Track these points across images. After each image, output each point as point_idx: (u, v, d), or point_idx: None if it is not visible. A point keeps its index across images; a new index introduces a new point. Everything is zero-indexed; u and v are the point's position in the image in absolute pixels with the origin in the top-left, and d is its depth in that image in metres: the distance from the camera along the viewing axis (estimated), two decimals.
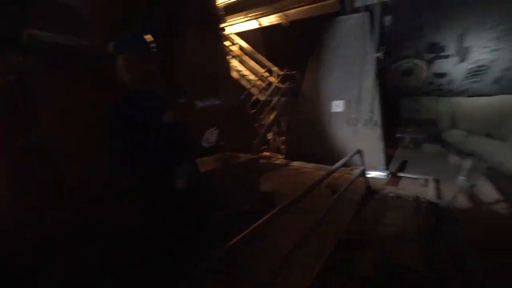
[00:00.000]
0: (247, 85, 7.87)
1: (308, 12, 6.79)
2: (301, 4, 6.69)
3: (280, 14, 7.23)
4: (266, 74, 7.72)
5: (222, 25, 7.94)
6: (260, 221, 1.83)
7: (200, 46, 4.97)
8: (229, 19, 8.02)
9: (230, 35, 8.45)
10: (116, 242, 2.24)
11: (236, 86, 7.83)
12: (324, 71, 6.23)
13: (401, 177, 4.95)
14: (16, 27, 2.13)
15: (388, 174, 5.03)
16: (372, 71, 5.62)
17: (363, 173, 3.99)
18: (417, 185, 4.49)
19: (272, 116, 6.85)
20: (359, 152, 3.65)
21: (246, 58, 8.33)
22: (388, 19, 6.38)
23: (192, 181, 1.65)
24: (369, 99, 5.55)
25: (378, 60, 5.68)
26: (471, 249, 2.28)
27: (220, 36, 6.85)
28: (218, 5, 7.92)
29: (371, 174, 4.90)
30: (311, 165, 5.75)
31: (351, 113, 5.70)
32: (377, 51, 5.61)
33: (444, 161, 5.85)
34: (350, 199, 3.70)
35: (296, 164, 5.99)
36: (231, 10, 7.85)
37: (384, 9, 5.91)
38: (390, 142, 6.51)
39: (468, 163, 4.39)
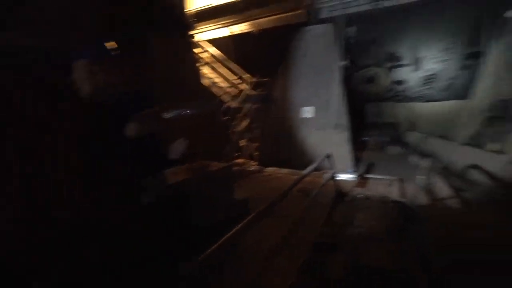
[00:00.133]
0: (219, 92, 7.82)
1: (277, 21, 6.98)
2: (271, 14, 6.87)
3: (251, 22, 7.34)
4: (238, 81, 7.74)
5: (191, 32, 7.86)
6: (233, 230, 1.80)
7: (169, 53, 4.84)
8: (200, 26, 7.97)
9: (201, 42, 8.38)
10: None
11: (207, 93, 7.75)
12: (293, 78, 6.42)
13: (368, 178, 5.21)
14: None
15: (357, 176, 5.27)
16: (338, 78, 5.91)
17: (333, 177, 4.14)
18: (383, 185, 4.75)
19: (244, 123, 6.86)
20: (328, 156, 3.78)
21: (217, 65, 8.29)
22: (351, 30, 6.80)
23: (160, 194, 1.57)
24: (337, 105, 5.81)
25: (344, 68, 6.00)
26: (434, 245, 2.44)
27: (190, 43, 6.76)
28: (188, 12, 7.84)
29: (341, 177, 5.09)
30: (284, 170, 5.83)
31: (320, 119, 5.92)
32: (342, 60, 5.92)
33: (405, 162, 6.29)
34: (322, 202, 3.80)
35: (269, 170, 6.03)
36: (202, 17, 7.81)
37: (348, 21, 6.28)
38: (358, 145, 6.86)
39: (425, 163, 4.77)
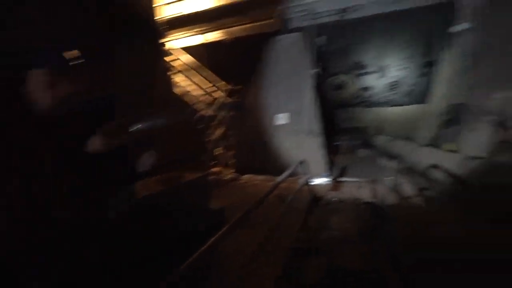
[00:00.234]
0: (192, 101, 7.71)
1: (250, 30, 7.09)
2: (243, 23, 6.97)
3: (224, 30, 7.38)
4: (212, 89, 7.70)
5: (163, 40, 7.71)
6: (210, 240, 1.77)
7: (138, 61, 4.70)
8: (172, 33, 7.84)
9: (173, 50, 8.25)
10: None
11: (180, 102, 7.60)
12: (267, 86, 6.53)
13: (342, 181, 5.39)
14: None
15: (331, 179, 5.43)
16: (310, 85, 6.11)
17: (308, 182, 4.23)
18: (355, 187, 4.94)
19: (219, 131, 6.81)
20: (302, 162, 3.86)
21: (190, 73, 8.20)
22: (321, 40, 7.11)
23: (129, 209, 1.49)
24: (309, 112, 6.00)
25: (315, 76, 6.23)
26: (402, 245, 2.57)
27: (161, 51, 6.62)
28: (160, 19, 7.71)
29: (316, 181, 5.22)
30: (260, 177, 5.85)
31: (294, 125, 6.05)
32: (314, 67, 6.15)
33: (374, 164, 6.61)
34: (298, 207, 3.85)
35: (245, 177, 6.02)
36: (174, 24, 7.71)
37: (318, 31, 6.57)
38: (330, 149, 7.09)
39: (392, 164, 5.06)
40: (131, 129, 1.49)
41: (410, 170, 4.79)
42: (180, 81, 8.14)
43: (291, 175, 3.72)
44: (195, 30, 7.63)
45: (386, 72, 7.92)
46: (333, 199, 4.21)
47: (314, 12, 6.10)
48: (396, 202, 3.84)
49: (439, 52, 5.75)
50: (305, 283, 2.09)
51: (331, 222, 3.34)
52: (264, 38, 6.73)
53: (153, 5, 6.07)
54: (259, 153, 6.34)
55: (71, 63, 1.40)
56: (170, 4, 8.43)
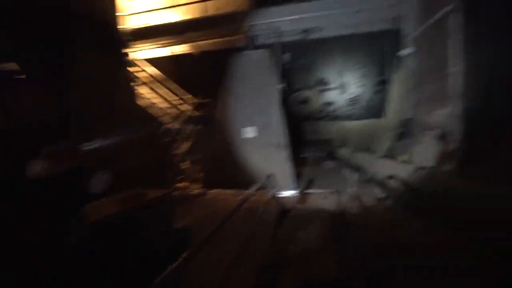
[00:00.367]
0: (158, 113, 7.46)
1: (217, 45, 7.18)
2: (211, 37, 7.05)
3: (191, 44, 7.37)
4: (178, 102, 7.54)
5: (126, 50, 7.44)
6: (176, 263, 1.67)
7: (98, 72, 4.45)
8: (137, 44, 7.60)
9: (138, 61, 7.98)
10: None
11: (145, 114, 7.31)
12: (235, 100, 6.59)
13: (309, 193, 5.53)
14: None
15: (298, 191, 5.55)
16: (276, 100, 6.30)
17: (276, 194, 4.27)
18: (322, 198, 5.10)
19: (186, 145, 6.63)
20: (270, 176, 3.90)
21: (156, 85, 7.97)
22: (286, 57, 7.44)
23: (80, 236, 1.35)
24: (276, 125, 6.15)
25: (281, 91, 6.45)
26: (371, 252, 2.69)
27: (124, 61, 6.36)
28: (125, 29, 7.45)
29: (284, 193, 5.29)
30: (228, 191, 5.76)
31: (261, 139, 6.14)
32: (279, 83, 6.38)
33: (339, 175, 6.93)
34: (267, 220, 3.84)
35: (214, 192, 5.87)
36: (139, 35, 7.49)
37: (282, 48, 6.88)
38: (297, 162, 7.29)
39: (354, 175, 5.35)
40: (86, 148, 1.36)
41: (370, 181, 5.10)
42: (146, 93, 7.86)
43: (260, 188, 3.74)
44: (162, 42, 7.51)
45: (346, 89, 8.51)
46: (301, 212, 4.28)
47: (279, 31, 6.41)
48: (359, 211, 4.04)
49: (391, 72, 6.38)
50: None
51: (300, 234, 3.38)
52: (232, 53, 6.86)
53: (116, 15, 5.89)
54: (227, 167, 6.28)
55: (13, 77, 1.26)
56: (135, 15, 8.24)
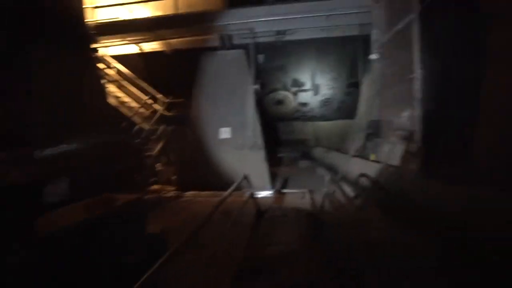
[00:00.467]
0: (128, 113, 7.10)
1: (189, 44, 7.00)
2: (183, 35, 6.85)
3: (162, 42, 7.10)
4: (150, 101, 7.24)
5: (94, 46, 6.97)
6: (148, 272, 1.59)
7: (62, 70, 4.12)
8: (105, 40, 7.16)
9: (108, 58, 7.52)
10: None
11: (115, 114, 6.92)
12: (210, 100, 6.48)
13: (284, 193, 5.62)
14: None
15: (274, 192, 5.61)
16: (252, 100, 6.31)
17: (252, 195, 4.27)
18: (297, 198, 5.21)
19: (159, 146, 6.39)
20: (246, 177, 3.89)
21: (126, 83, 7.57)
22: (261, 57, 7.47)
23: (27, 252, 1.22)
24: (252, 125, 6.16)
25: (256, 91, 6.47)
26: (342, 251, 2.78)
27: (92, 58, 5.96)
28: (91, 22, 6.97)
29: (260, 194, 5.31)
30: (204, 193, 5.66)
31: (237, 139, 6.11)
32: (254, 83, 6.39)
33: (314, 174, 7.13)
34: (244, 222, 3.83)
35: (189, 194, 5.73)
36: (107, 30, 7.07)
37: (257, 49, 6.90)
38: (273, 162, 7.38)
39: (328, 174, 5.52)
40: (44, 153, 1.25)
41: (344, 179, 5.31)
42: (115, 92, 7.44)
43: (236, 189, 3.71)
44: (132, 38, 7.17)
45: (319, 90, 8.77)
46: (277, 212, 4.33)
47: (254, 32, 6.42)
48: (333, 210, 4.18)
49: (361, 75, 6.69)
50: None
51: (276, 236, 3.40)
52: (205, 52, 6.74)
53: (83, 7, 5.51)
54: (202, 168, 6.16)
55: None
56: (103, 8, 7.77)
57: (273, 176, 6.30)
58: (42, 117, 3.02)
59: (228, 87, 6.42)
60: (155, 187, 6.93)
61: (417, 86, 3.81)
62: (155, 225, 3.69)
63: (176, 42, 7.04)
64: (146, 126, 6.79)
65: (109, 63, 7.52)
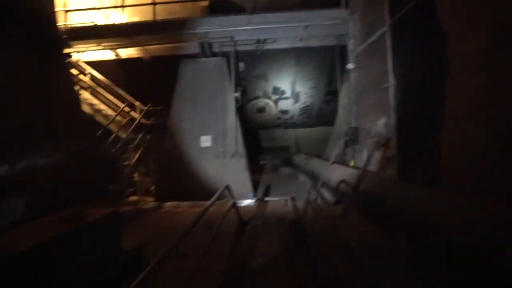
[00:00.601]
0: (104, 122, 6.80)
1: (168, 50, 6.89)
2: (161, 42, 6.73)
3: (140, 48, 6.93)
4: (127, 109, 6.99)
5: (67, 51, 6.65)
6: None
7: (31, 76, 3.88)
8: (79, 44, 6.85)
9: (80, 64, 7.20)
10: None
11: (89, 122, 6.60)
12: (190, 107, 6.38)
13: (267, 201, 5.59)
14: None
15: (257, 200, 5.57)
16: (233, 108, 6.29)
17: (234, 205, 4.20)
18: (280, 206, 5.19)
19: (137, 155, 6.15)
20: (228, 186, 3.83)
21: (101, 90, 7.27)
22: (242, 65, 7.51)
23: None
24: (233, 133, 6.12)
25: (238, 99, 6.47)
26: (323, 259, 2.78)
27: (64, 64, 5.67)
28: (65, 26, 6.66)
29: (243, 203, 5.25)
30: (185, 203, 5.49)
31: (218, 148, 6.04)
32: (235, 91, 6.39)
33: (296, 181, 7.18)
34: (226, 232, 3.74)
35: (169, 205, 5.53)
36: (80, 35, 6.78)
37: (238, 57, 6.93)
38: (255, 169, 7.36)
39: (309, 181, 5.58)
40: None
41: (325, 185, 5.39)
42: (90, 99, 7.12)
43: (217, 198, 3.63)
44: (107, 44, 6.92)
45: (299, 98, 8.95)
46: (260, 221, 4.28)
47: (234, 40, 6.45)
48: (314, 217, 4.21)
49: (339, 83, 6.91)
50: None
51: (259, 246, 3.35)
52: (185, 60, 6.66)
53: (55, 10, 5.27)
54: (182, 178, 5.99)
55: None
56: (78, 12, 7.48)
57: (255, 184, 6.26)
58: (8, 125, 2.79)
59: (209, 94, 6.36)
60: (133, 198, 6.63)
61: (391, 95, 3.99)
62: (132, 239, 3.50)
63: (154, 48, 6.90)
64: (123, 134, 6.53)
65: (84, 69, 7.21)
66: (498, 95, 2.58)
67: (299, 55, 7.57)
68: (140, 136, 6.42)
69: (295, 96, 8.74)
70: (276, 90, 8.58)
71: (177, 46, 6.75)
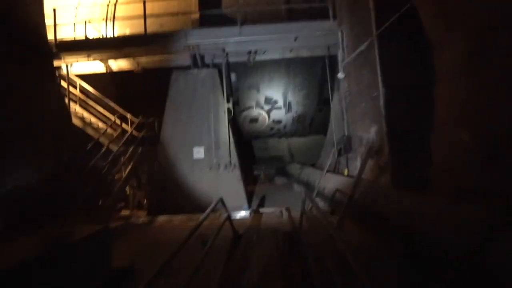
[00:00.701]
0: (94, 134, 6.68)
1: (160, 62, 6.90)
2: (153, 54, 6.74)
3: (130, 59, 6.91)
4: (118, 121, 6.90)
5: (57, 64, 6.57)
6: None
7: (20, 89, 3.82)
8: (70, 57, 6.79)
9: (70, 77, 7.12)
10: None
11: (78, 135, 6.48)
12: (182, 119, 6.34)
13: (262, 213, 5.50)
14: None
15: (251, 211, 5.48)
16: (225, 119, 6.28)
17: (229, 217, 4.11)
18: (275, 217, 5.12)
19: (128, 168, 6.02)
20: (222, 199, 3.76)
21: (91, 103, 7.18)
22: (234, 76, 7.57)
23: None
24: (226, 144, 6.08)
25: (230, 110, 6.46)
26: (318, 271, 2.72)
27: (54, 77, 5.60)
28: (51, 40, 6.60)
29: (237, 215, 5.16)
30: (178, 217, 5.36)
31: (212, 159, 5.98)
32: (228, 102, 6.39)
33: (290, 190, 7.13)
34: (220, 246, 3.64)
35: (161, 219, 5.39)
36: (71, 48, 6.73)
37: (230, 68, 6.98)
38: (250, 180, 7.29)
39: (304, 190, 5.54)
40: None
41: (320, 195, 5.36)
42: (80, 111, 7.02)
43: (211, 211, 3.55)
44: (98, 56, 6.88)
45: (292, 107, 9.01)
46: (254, 234, 4.20)
47: (225, 51, 6.51)
48: (309, 227, 4.15)
49: (331, 92, 7.00)
50: None
51: (253, 259, 3.26)
52: (178, 71, 6.67)
53: (44, 23, 5.25)
54: (175, 191, 5.88)
55: None
56: (68, 26, 7.45)
57: (250, 195, 6.19)
58: None
59: (201, 106, 6.35)
60: (125, 212, 6.45)
61: (381, 103, 4.05)
62: (122, 257, 3.36)
63: (146, 60, 6.90)
64: (115, 147, 6.40)
65: (74, 82, 7.13)
66: (478, 100, 2.65)
67: (290, 65, 7.67)
68: (132, 148, 6.31)
69: (288, 106, 8.79)
70: (268, 100, 8.63)
71: (169, 58, 6.77)
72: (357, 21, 4.95)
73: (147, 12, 6.46)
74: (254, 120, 8.91)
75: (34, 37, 4.55)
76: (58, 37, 6.73)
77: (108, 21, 7.47)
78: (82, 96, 7.20)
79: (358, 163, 4.78)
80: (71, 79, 7.11)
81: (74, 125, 6.56)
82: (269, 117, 8.97)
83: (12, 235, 2.27)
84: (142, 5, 6.42)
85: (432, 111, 3.54)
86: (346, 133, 5.51)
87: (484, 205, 2.26)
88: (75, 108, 7.01)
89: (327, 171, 5.77)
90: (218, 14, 6.75)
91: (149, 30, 6.46)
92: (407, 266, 2.54)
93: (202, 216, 3.31)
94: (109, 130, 6.80)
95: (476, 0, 2.54)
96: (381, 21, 3.95)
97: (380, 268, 2.55)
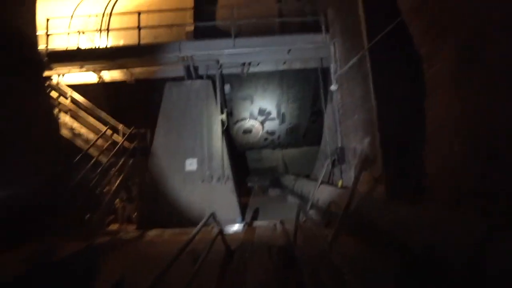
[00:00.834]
0: (84, 146, 6.51)
1: (153, 73, 6.88)
2: (147, 65, 6.72)
3: (124, 71, 6.87)
4: (109, 132, 6.76)
5: (47, 73, 6.48)
6: None
7: (8, 100, 3.72)
8: (63, 68, 6.70)
9: (61, 87, 7.01)
10: None
11: (66, 146, 6.31)
12: (175, 130, 6.26)
13: (255, 226, 5.38)
14: None
15: (245, 224, 5.35)
16: (219, 130, 6.23)
17: (221, 231, 3.99)
18: (269, 230, 4.99)
19: (118, 181, 5.85)
20: (214, 213, 3.66)
21: (82, 113, 7.04)
22: (227, 87, 7.59)
23: None
24: (220, 156, 6.00)
25: (223, 121, 6.43)
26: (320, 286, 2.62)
27: (43, 87, 5.50)
28: (45, 50, 6.53)
29: (230, 228, 5.02)
30: (169, 231, 5.18)
31: (205, 171, 5.87)
32: (221, 113, 6.36)
33: (284, 202, 7.03)
34: (213, 261, 3.50)
35: (152, 233, 5.19)
36: (62, 58, 6.65)
37: (223, 79, 7.00)
38: (243, 192, 7.17)
39: (298, 202, 5.47)
40: None
41: (314, 207, 5.28)
42: (70, 122, 6.86)
43: (204, 225, 3.44)
44: (90, 67, 6.81)
45: (285, 118, 9.05)
46: (248, 248, 4.09)
47: (219, 63, 6.55)
48: (304, 241, 4.05)
49: (324, 103, 7.07)
50: None
51: (247, 275, 3.15)
52: (171, 82, 6.65)
53: (36, 33, 5.20)
54: (167, 203, 5.72)
55: None
56: (61, 35, 7.40)
57: (244, 207, 6.06)
58: None
59: (194, 117, 6.30)
60: (113, 227, 6.22)
61: (374, 115, 4.08)
62: (111, 274, 3.19)
63: (139, 71, 6.87)
64: (105, 159, 6.24)
65: (65, 92, 7.01)
66: (468, 110, 2.69)
67: (284, 77, 7.75)
68: (122, 160, 6.16)
69: (281, 117, 8.83)
70: (262, 112, 8.66)
71: (162, 69, 6.76)
72: (349, 34, 5.07)
73: (141, 23, 6.49)
74: (248, 131, 8.89)
75: (25, 47, 4.49)
76: (51, 47, 6.67)
77: (102, 32, 7.46)
78: (73, 107, 7.07)
79: (352, 174, 4.76)
80: (61, 89, 7.00)
81: (63, 137, 6.40)
82: (263, 128, 8.97)
83: None
84: (137, 16, 6.45)
85: (424, 122, 3.58)
86: (339, 145, 5.52)
87: (482, 211, 2.25)
88: (65, 119, 6.86)
89: (321, 183, 5.73)
90: (212, 27, 6.82)
91: (143, 41, 6.47)
92: (403, 277, 2.49)
93: (193, 231, 3.20)
94: (100, 141, 6.65)
95: (463, 12, 2.62)
96: (372, 34, 4.03)
97: (375, 279, 2.49)
